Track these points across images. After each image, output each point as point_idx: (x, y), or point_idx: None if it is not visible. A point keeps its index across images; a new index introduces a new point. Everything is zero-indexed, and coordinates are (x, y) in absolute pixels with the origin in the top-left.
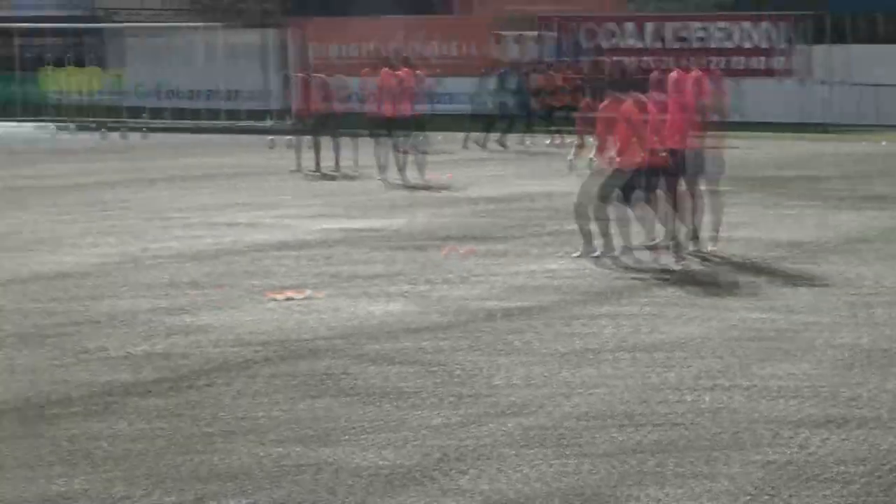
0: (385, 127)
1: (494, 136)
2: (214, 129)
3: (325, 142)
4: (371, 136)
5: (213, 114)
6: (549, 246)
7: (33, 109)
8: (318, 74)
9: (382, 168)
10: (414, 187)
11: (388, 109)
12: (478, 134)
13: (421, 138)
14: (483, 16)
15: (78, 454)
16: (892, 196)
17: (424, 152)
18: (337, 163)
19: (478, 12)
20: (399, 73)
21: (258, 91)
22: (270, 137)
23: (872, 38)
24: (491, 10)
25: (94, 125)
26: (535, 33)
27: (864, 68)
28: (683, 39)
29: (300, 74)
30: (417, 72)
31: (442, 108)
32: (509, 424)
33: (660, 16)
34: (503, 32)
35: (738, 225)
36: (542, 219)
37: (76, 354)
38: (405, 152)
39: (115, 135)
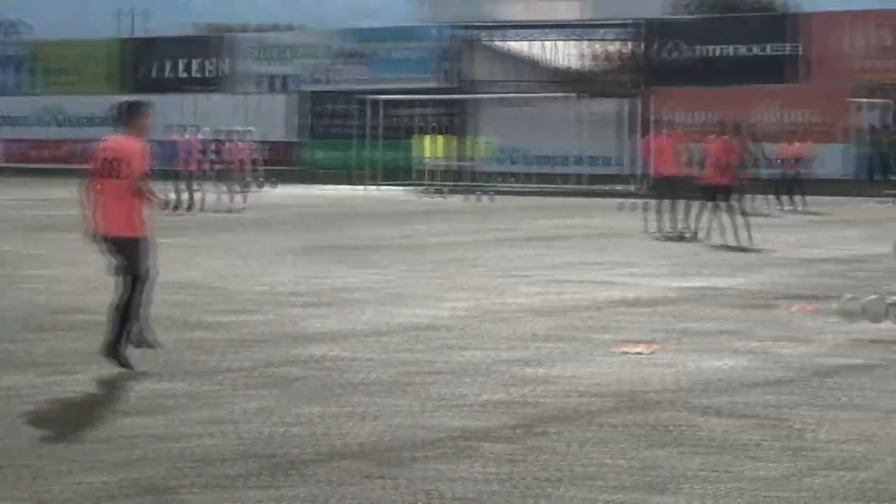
0: (708, 192)
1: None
2: (568, 192)
3: (673, 204)
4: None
5: (566, 178)
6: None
7: (403, 175)
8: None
9: (706, 230)
10: (748, 249)
11: (712, 176)
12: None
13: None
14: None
15: (422, 493)
16: None
17: (746, 214)
18: (680, 225)
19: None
20: (728, 141)
21: (612, 157)
22: (620, 200)
23: None
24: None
25: (461, 189)
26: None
27: None
28: None
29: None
30: (747, 140)
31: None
32: (843, 478)
33: None
34: (858, 99)
35: None
36: (888, 279)
37: (435, 401)
38: (740, 215)
39: (483, 197)
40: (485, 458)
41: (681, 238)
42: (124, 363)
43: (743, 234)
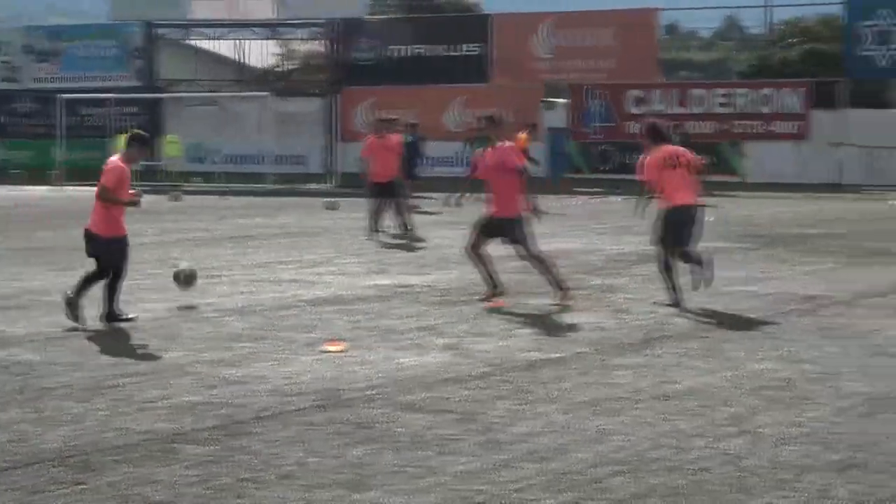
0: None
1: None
2: (261, 191)
3: (381, 204)
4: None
5: (261, 177)
6: (573, 301)
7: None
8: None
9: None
10: (443, 246)
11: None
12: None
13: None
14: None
15: (121, 497)
16: None
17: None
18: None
19: (512, 81)
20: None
21: (306, 156)
22: (328, 200)
23: (886, 104)
24: (523, 78)
25: (153, 188)
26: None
27: (878, 132)
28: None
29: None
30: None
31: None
32: (532, 470)
33: (686, 83)
34: (549, 100)
35: (753, 279)
36: (579, 274)
37: (133, 404)
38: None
39: (177, 197)
40: (185, 459)
41: (385, 236)
42: None
43: (406, 226)
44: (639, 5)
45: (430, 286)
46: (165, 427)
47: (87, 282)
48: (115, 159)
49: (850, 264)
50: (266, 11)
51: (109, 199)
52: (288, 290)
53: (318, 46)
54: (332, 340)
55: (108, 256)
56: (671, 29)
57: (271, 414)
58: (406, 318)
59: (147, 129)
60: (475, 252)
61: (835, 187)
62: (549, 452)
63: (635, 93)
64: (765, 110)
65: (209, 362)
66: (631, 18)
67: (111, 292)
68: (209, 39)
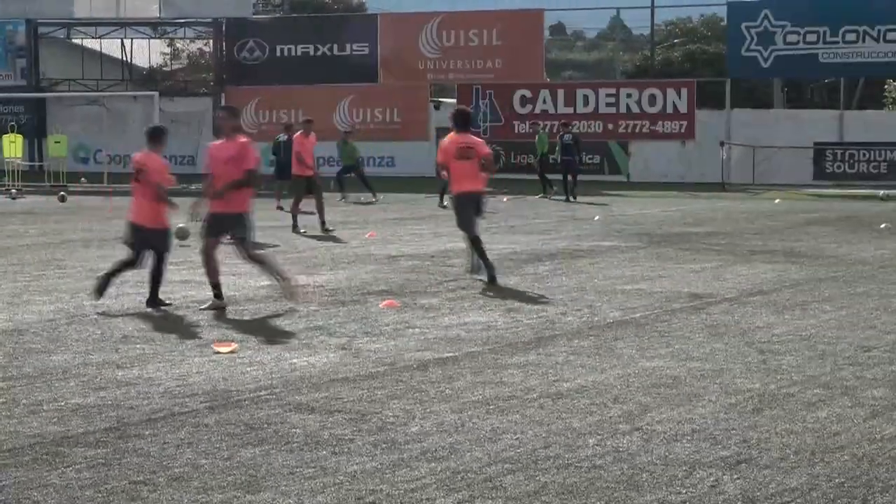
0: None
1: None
2: None
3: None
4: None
5: None
6: (465, 300)
7: None
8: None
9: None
10: (335, 246)
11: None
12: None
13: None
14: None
15: (13, 502)
16: (781, 251)
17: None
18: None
19: (398, 81)
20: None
21: (192, 156)
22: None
23: (769, 104)
24: (410, 78)
25: (38, 189)
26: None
27: (760, 131)
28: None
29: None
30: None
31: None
32: (426, 469)
33: (574, 83)
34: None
35: (641, 278)
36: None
37: (22, 407)
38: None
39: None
40: (76, 463)
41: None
42: None
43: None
44: (525, 6)
45: (321, 286)
46: (55, 430)
47: (121, 268)
48: (155, 156)
49: (736, 262)
50: (152, 10)
51: (164, 198)
52: (178, 292)
53: (204, 46)
54: (222, 341)
55: (157, 244)
56: (557, 29)
57: (162, 416)
58: (297, 318)
59: (32, 129)
60: (210, 257)
61: (720, 186)
62: (443, 451)
63: (523, 92)
64: (651, 110)
65: (98, 364)
66: (517, 18)
67: (155, 281)
68: (94, 38)
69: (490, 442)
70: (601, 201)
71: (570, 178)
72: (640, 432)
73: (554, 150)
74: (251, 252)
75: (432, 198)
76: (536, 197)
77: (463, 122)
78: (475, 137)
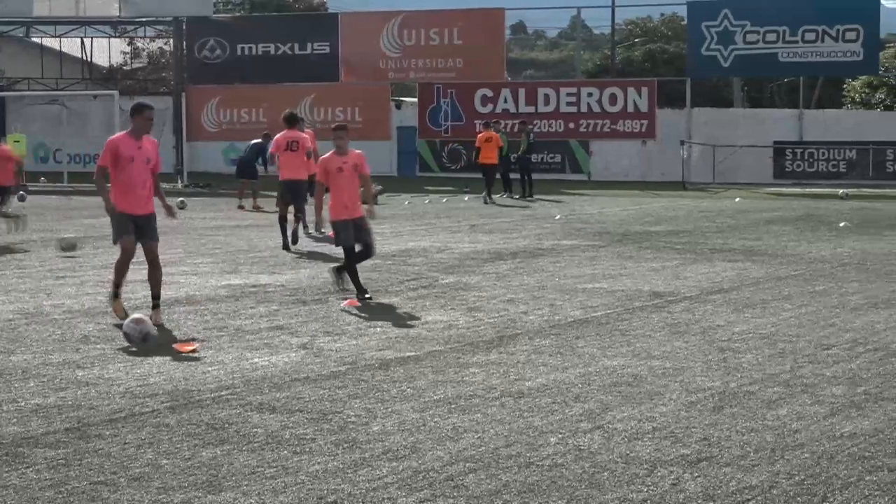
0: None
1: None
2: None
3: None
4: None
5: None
6: (426, 299)
7: None
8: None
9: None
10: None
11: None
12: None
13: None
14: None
15: None
16: (741, 249)
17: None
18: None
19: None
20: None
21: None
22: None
23: (729, 103)
24: (370, 77)
25: None
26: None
27: (720, 130)
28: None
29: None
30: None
31: None
32: (388, 468)
33: (535, 82)
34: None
35: (602, 277)
36: (433, 272)
37: None
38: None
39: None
40: (36, 463)
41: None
42: None
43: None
44: (485, 4)
45: (282, 286)
46: (14, 430)
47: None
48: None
49: (696, 261)
50: (111, 9)
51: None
52: (138, 291)
53: (164, 45)
54: (183, 341)
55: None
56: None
57: (123, 416)
58: (258, 317)
59: None
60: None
61: (680, 185)
62: (404, 451)
63: (484, 91)
64: (611, 109)
65: (58, 364)
66: (478, 17)
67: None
68: (53, 37)
69: (451, 441)
70: (562, 200)
71: (527, 177)
72: (601, 431)
73: (518, 149)
74: None
75: (393, 197)
76: (502, 195)
77: (293, 122)
78: (302, 133)
